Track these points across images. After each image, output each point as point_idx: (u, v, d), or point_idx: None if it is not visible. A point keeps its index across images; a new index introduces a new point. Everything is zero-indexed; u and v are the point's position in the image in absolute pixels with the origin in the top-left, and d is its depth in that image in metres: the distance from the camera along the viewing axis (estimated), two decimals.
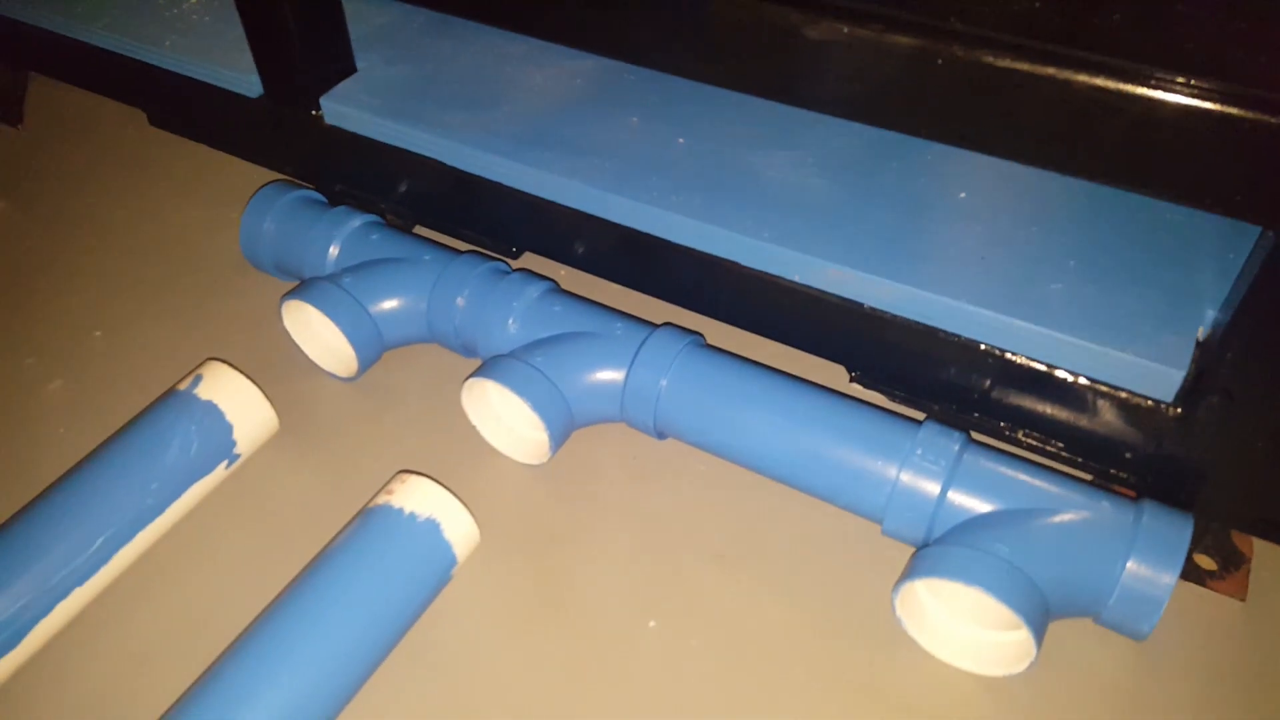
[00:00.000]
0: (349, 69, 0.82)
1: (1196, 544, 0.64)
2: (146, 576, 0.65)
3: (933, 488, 0.59)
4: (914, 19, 0.51)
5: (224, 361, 0.70)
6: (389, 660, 0.59)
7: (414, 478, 0.62)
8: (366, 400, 0.77)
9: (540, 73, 0.82)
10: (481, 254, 0.77)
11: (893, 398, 0.70)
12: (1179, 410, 0.58)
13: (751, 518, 0.68)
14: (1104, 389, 0.60)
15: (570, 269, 0.82)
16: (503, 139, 0.75)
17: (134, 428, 0.67)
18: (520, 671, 0.60)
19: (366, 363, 0.75)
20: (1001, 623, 0.59)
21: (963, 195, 0.70)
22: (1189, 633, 0.61)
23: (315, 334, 0.77)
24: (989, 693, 0.59)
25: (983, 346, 0.63)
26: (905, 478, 0.60)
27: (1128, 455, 0.62)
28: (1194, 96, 0.46)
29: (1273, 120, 0.45)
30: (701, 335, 0.70)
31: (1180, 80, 0.46)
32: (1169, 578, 0.55)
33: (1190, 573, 0.63)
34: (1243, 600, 0.62)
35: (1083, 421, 0.62)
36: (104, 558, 0.62)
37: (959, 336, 0.63)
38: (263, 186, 0.82)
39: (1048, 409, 0.63)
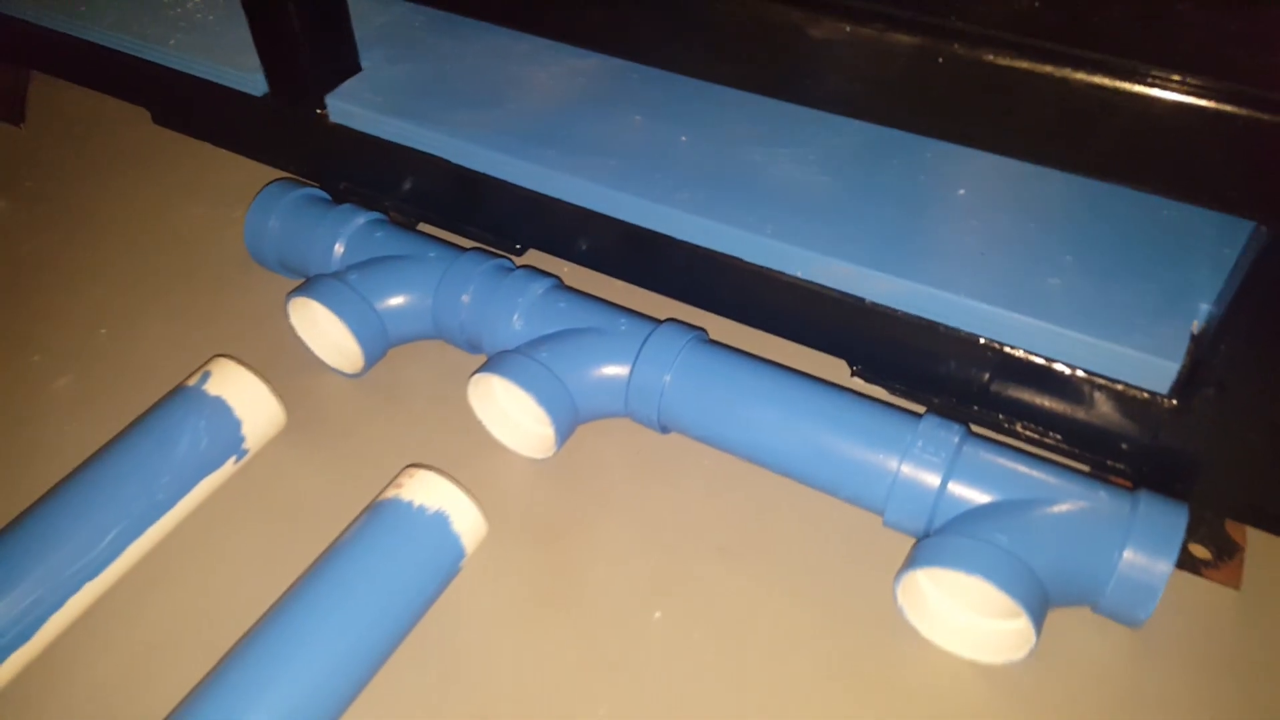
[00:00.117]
0: (354, 68, 0.83)
1: (1191, 534, 0.65)
2: (157, 570, 0.66)
3: (933, 479, 0.60)
4: (915, 18, 0.52)
5: (231, 358, 0.71)
6: (400, 649, 0.60)
7: (423, 471, 0.63)
8: (372, 396, 0.77)
9: (544, 71, 0.83)
10: (485, 251, 0.77)
11: (893, 391, 0.71)
12: (1174, 402, 0.59)
13: (754, 510, 0.69)
14: (1101, 382, 0.61)
15: (574, 265, 0.83)
16: (507, 137, 0.76)
17: (144, 423, 0.67)
18: (527, 660, 0.61)
19: (372, 359, 0.75)
20: (1001, 611, 0.60)
21: (962, 192, 0.71)
22: (1184, 621, 0.62)
23: (321, 331, 0.78)
24: (989, 679, 0.60)
25: (982, 341, 0.64)
26: (906, 470, 0.61)
27: (1124, 446, 0.63)
28: (1190, 94, 0.47)
29: (1266, 118, 0.46)
30: (704, 331, 0.71)
31: (1176, 79, 0.47)
32: (1165, 566, 0.56)
33: (1185, 562, 0.64)
34: (1237, 589, 0.63)
35: (1080, 414, 0.63)
36: (115, 551, 0.63)
37: (959, 331, 0.64)
38: (267, 184, 0.83)
39: (1046, 402, 0.64)
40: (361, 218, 0.78)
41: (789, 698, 0.59)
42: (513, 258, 0.79)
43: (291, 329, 0.78)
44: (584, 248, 0.78)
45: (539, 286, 0.73)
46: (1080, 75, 0.49)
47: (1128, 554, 0.56)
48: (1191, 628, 0.62)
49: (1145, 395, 0.60)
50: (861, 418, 0.63)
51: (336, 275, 0.75)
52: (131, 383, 0.77)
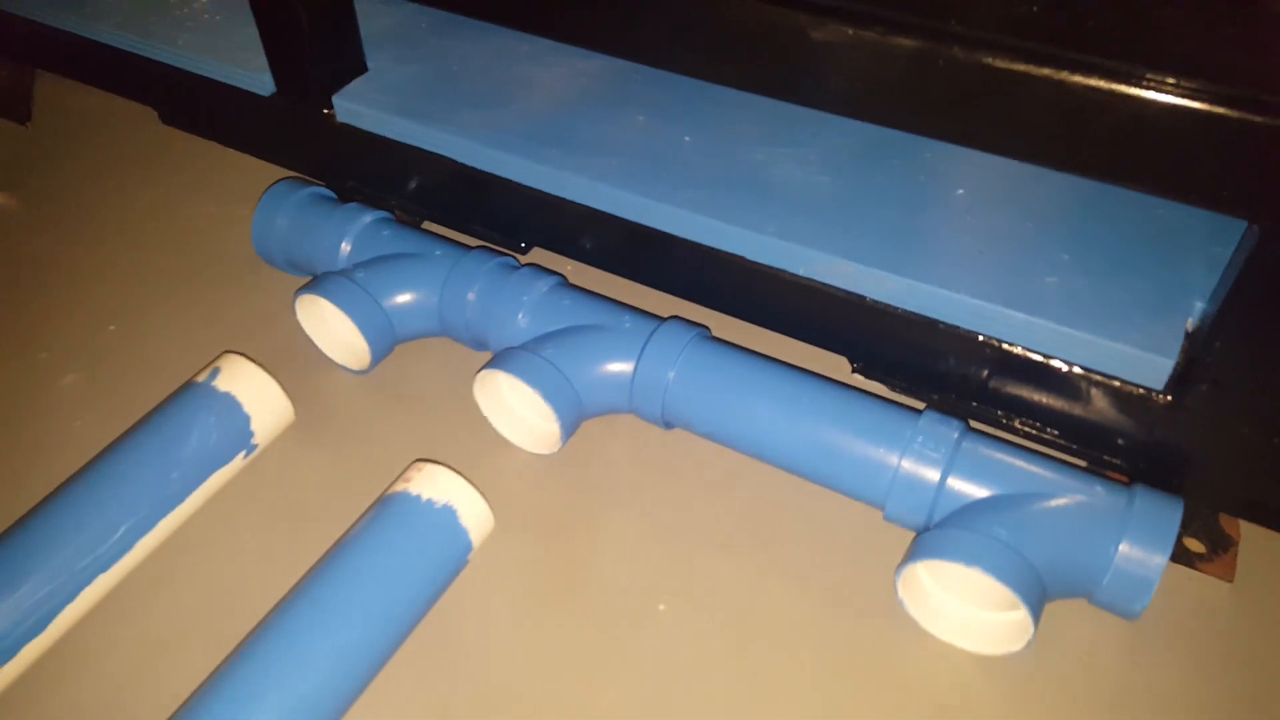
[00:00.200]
0: (360, 68, 0.84)
1: (1186, 527, 0.65)
2: (167, 564, 0.66)
3: (933, 474, 0.61)
4: (916, 21, 0.53)
5: (240, 354, 0.71)
6: (408, 641, 0.61)
7: (430, 465, 0.64)
8: (379, 392, 0.78)
9: (549, 72, 0.84)
10: (491, 249, 0.78)
11: (894, 388, 0.72)
12: (1169, 398, 0.60)
13: (756, 504, 0.70)
14: (1097, 378, 0.62)
15: (578, 264, 0.84)
16: (512, 137, 0.77)
17: (154, 419, 0.68)
18: (533, 651, 0.62)
19: (379, 356, 0.76)
20: (1000, 603, 0.61)
21: (961, 192, 0.72)
22: (1179, 613, 0.63)
23: (329, 328, 0.79)
24: (988, 670, 0.61)
25: (981, 338, 0.64)
26: (906, 465, 0.61)
27: (1120, 442, 0.64)
28: (1183, 97, 0.48)
29: (1258, 120, 0.47)
30: (708, 328, 0.72)
31: (1170, 81, 0.48)
32: (1160, 559, 0.57)
33: (1180, 555, 0.65)
34: (1230, 582, 0.64)
35: (1077, 409, 0.64)
36: (126, 545, 0.63)
37: (958, 328, 0.65)
38: (274, 183, 0.84)
39: (1043, 398, 0.65)
40: (368, 216, 0.79)
41: (791, 688, 0.60)
42: (518, 256, 0.80)
43: (299, 326, 0.78)
44: (588, 246, 0.78)
45: (543, 284, 0.73)
46: (1076, 78, 0.50)
47: (1124, 547, 0.57)
48: (1186, 620, 0.63)
49: (1141, 391, 0.61)
50: (862, 414, 0.64)
51: (344, 273, 0.76)
52: (138, 380, 0.78)
